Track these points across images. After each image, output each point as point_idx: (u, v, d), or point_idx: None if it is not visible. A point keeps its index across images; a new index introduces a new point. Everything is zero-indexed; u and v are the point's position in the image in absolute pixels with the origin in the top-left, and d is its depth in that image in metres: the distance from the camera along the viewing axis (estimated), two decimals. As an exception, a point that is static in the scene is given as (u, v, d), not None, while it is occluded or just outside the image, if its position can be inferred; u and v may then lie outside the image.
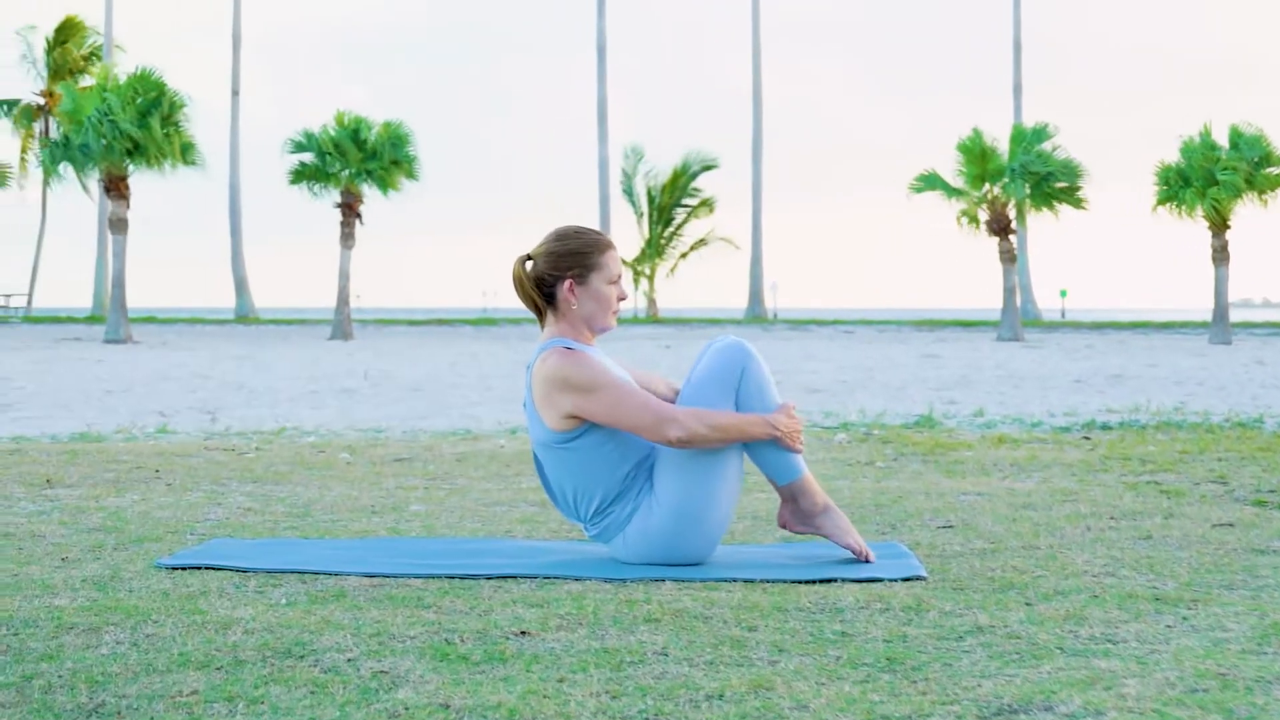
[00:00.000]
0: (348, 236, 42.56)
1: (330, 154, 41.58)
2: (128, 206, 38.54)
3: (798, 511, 5.20)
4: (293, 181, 42.25)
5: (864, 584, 4.79)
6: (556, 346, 5.06)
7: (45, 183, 60.88)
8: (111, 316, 38.31)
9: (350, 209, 42.34)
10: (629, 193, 62.00)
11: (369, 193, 42.39)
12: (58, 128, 39.99)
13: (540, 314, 5.18)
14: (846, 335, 42.82)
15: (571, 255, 5.12)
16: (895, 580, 4.84)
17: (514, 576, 4.91)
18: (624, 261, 59.70)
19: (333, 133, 41.72)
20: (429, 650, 3.85)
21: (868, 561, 5.12)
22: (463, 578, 4.90)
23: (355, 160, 41.56)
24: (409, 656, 3.79)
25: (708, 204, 61.99)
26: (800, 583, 4.81)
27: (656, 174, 61.77)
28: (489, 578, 4.90)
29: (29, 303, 68.00)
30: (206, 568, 5.05)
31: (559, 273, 5.11)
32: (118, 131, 36.82)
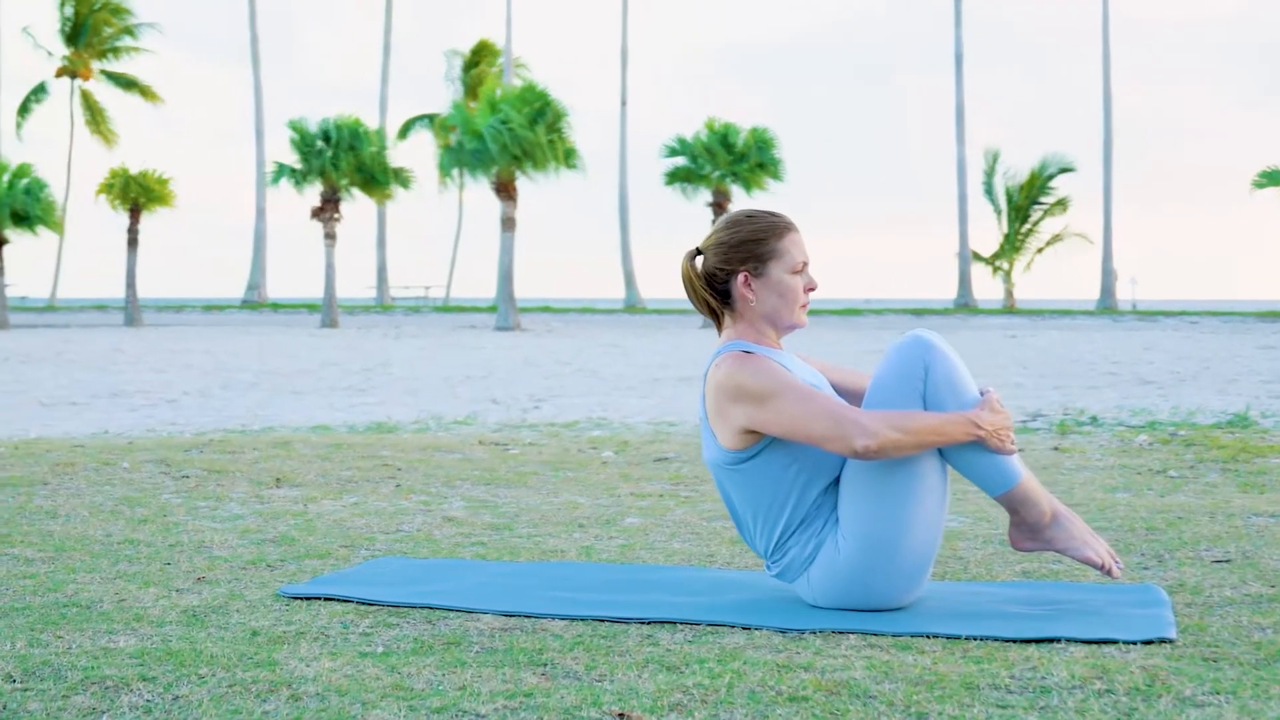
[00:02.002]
0: (718, 234, 41.79)
1: (701, 157, 40.96)
2: (516, 206, 38.39)
3: (1023, 525, 3.90)
4: (668, 182, 41.88)
5: (1093, 646, 3.48)
6: (732, 351, 3.87)
7: (461, 186, 61.87)
8: (501, 306, 38.35)
9: (720, 208, 41.60)
10: (988, 192, 59.81)
11: (739, 193, 41.58)
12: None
13: (716, 317, 4.00)
14: (1191, 326, 40.16)
15: (744, 244, 3.90)
16: (1133, 643, 3.52)
17: (672, 622, 3.75)
18: (979, 258, 57.71)
19: (704, 138, 41.10)
20: (489, 738, 2.73)
21: (1112, 575, 3.86)
22: (613, 620, 3.76)
23: (724, 163, 40.83)
24: (459, 747, 2.68)
25: (1062, 203, 59.38)
26: (1014, 642, 3.54)
27: (1014, 175, 59.45)
28: (644, 622, 3.75)
29: (446, 293, 69.25)
30: (328, 598, 4.02)
31: (731, 266, 3.91)
32: (505, 139, 36.60)
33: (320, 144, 39.17)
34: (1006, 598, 4.04)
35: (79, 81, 59.14)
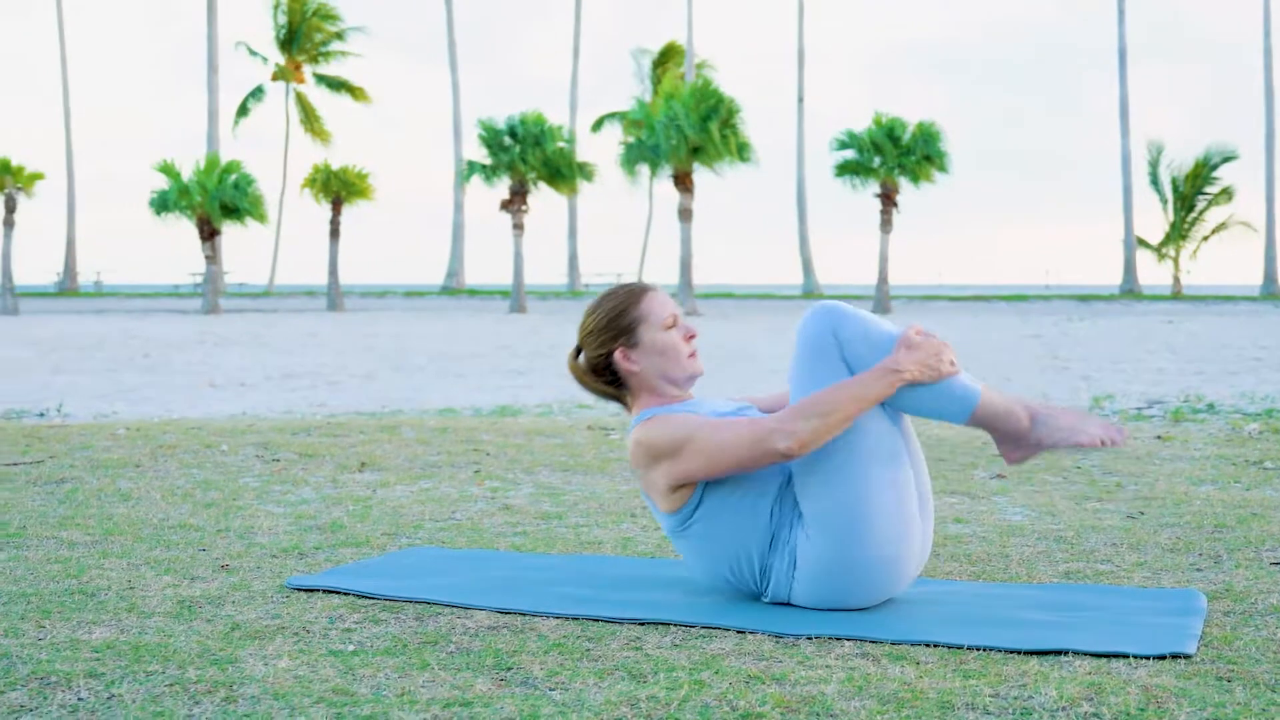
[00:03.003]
0: (886, 223, 41.16)
1: (868, 150, 40.26)
2: (693, 198, 38.13)
3: (1006, 439, 3.51)
4: (837, 174, 41.22)
5: (1101, 660, 3.06)
6: (638, 423, 3.59)
7: (651, 177, 61.77)
8: (679, 293, 38.13)
9: (888, 199, 40.86)
10: (1154, 182, 58.22)
11: (907, 185, 40.78)
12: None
13: (622, 401, 3.71)
14: (1353, 313, 38.53)
15: (608, 324, 3.64)
16: (1145, 657, 3.09)
17: (666, 623, 3.41)
18: (1145, 244, 56.08)
19: (872, 131, 40.39)
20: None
21: (1116, 444, 3.43)
22: (607, 620, 3.43)
23: (891, 156, 40.04)
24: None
25: (1227, 192, 57.62)
26: (1017, 653, 3.13)
27: (1179, 165, 57.79)
28: (639, 623, 3.41)
29: (638, 279, 69.28)
30: (328, 590, 3.74)
31: (606, 348, 3.65)
32: (681, 134, 36.34)
33: (508, 140, 39.27)
34: (1028, 602, 3.62)
35: (293, 85, 60.12)
